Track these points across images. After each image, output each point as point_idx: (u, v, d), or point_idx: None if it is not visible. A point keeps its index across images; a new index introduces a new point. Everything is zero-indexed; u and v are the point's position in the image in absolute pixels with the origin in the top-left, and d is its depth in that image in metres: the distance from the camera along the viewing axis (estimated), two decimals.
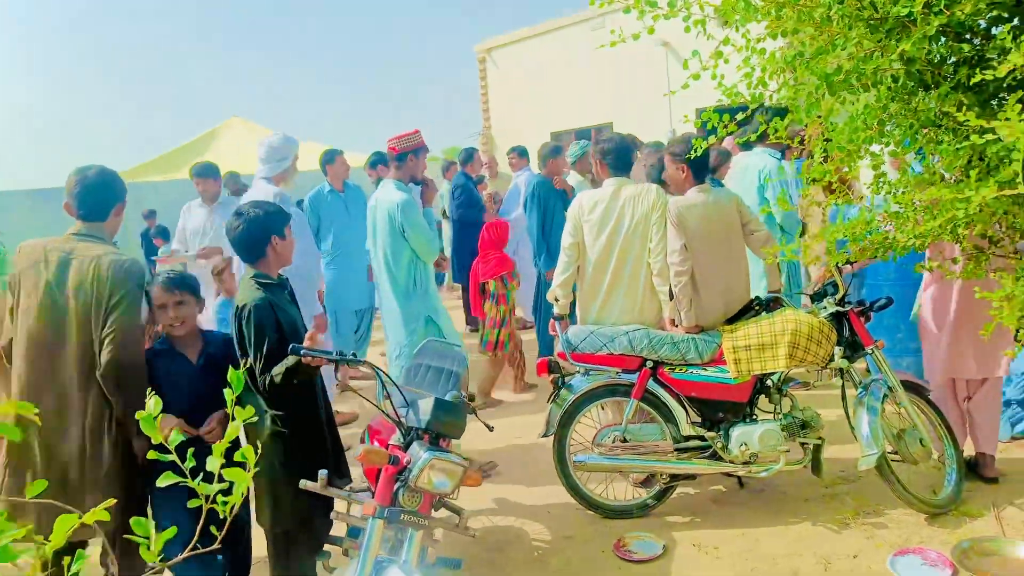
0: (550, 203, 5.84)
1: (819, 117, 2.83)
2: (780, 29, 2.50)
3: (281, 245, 2.86)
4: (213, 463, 1.10)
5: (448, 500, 2.84)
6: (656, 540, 3.51)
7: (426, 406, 2.47)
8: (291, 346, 2.43)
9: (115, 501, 1.23)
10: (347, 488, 2.61)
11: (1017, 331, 2.99)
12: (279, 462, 2.65)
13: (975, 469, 3.88)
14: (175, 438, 1.14)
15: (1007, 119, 2.02)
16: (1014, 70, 2.12)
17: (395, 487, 2.41)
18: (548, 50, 14.24)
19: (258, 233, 2.80)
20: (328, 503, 2.65)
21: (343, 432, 3.29)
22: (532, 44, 14.79)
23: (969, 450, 3.96)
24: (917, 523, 3.54)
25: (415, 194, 4.57)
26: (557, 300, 4.08)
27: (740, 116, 2.77)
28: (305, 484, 2.39)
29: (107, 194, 2.81)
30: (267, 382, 2.59)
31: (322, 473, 2.39)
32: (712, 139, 2.89)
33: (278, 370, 2.54)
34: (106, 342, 2.53)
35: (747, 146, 5.25)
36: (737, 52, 2.64)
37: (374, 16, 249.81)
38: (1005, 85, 2.40)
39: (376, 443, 2.79)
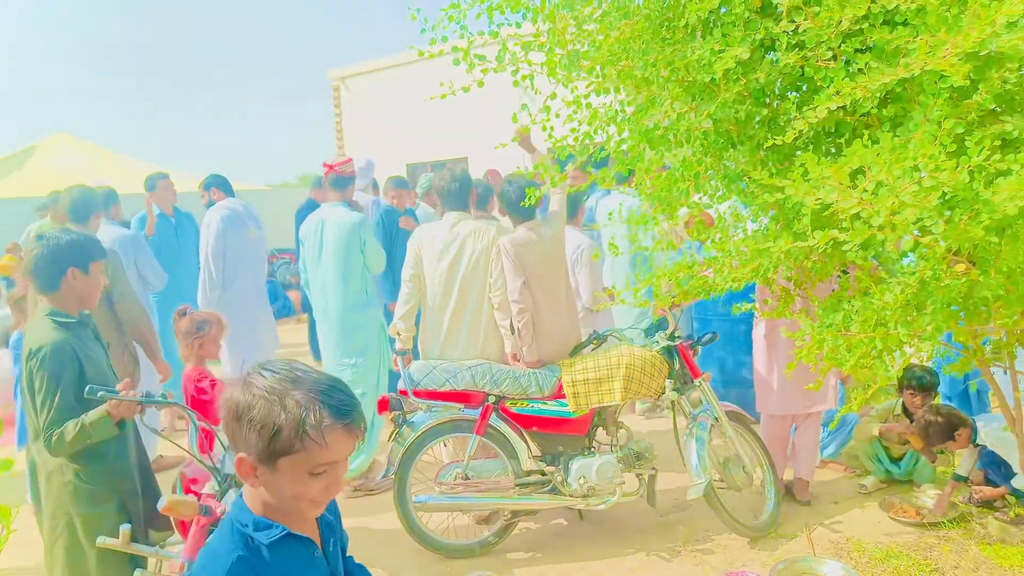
0: (395, 234, 5.86)
1: (645, 168, 3.02)
2: (603, 87, 2.65)
3: (82, 280, 2.62)
4: None
5: None
6: None
7: None
8: (88, 387, 2.27)
9: None
10: (162, 543, 2.46)
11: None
12: (80, 516, 2.46)
13: (790, 493, 4.19)
14: None
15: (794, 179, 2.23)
16: (799, 136, 2.36)
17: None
18: (404, 82, 14.22)
19: (55, 261, 2.56)
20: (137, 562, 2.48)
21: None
22: (389, 75, 14.68)
23: (787, 474, 4.27)
24: (741, 547, 3.76)
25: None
26: (399, 334, 4.08)
27: (570, 166, 2.91)
28: (103, 541, 2.23)
29: None
30: (52, 439, 2.37)
31: (124, 528, 2.24)
32: (544, 188, 3.03)
33: (92, 417, 2.37)
34: None
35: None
36: (567, 106, 2.78)
37: (218, 32, 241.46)
38: (799, 145, 2.66)
39: (191, 492, 2.65)
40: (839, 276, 3.08)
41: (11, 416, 5.10)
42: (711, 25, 2.37)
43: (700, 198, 3.16)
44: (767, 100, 2.59)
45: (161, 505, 2.22)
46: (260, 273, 5.69)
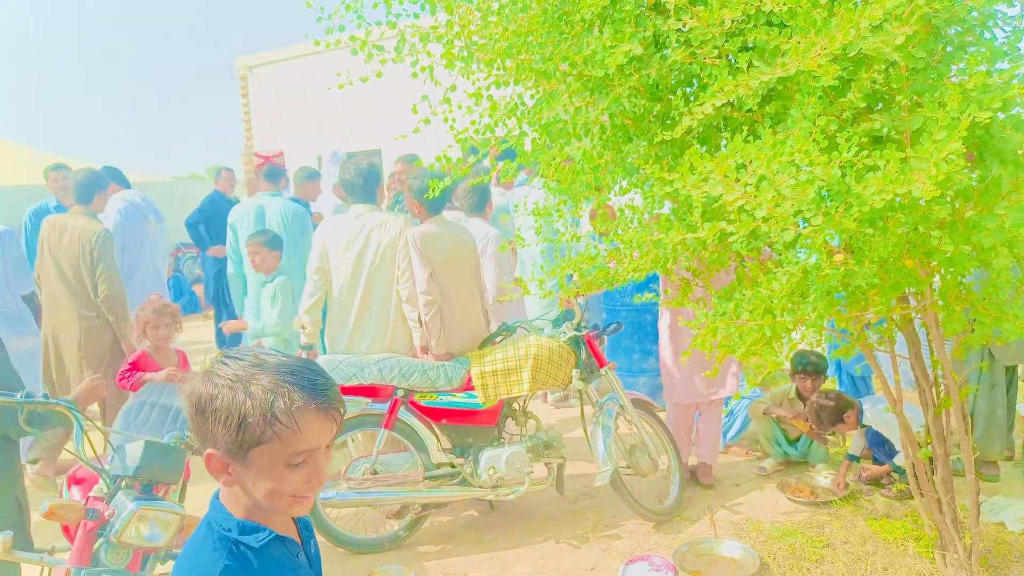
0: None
1: (547, 161, 3.05)
2: (503, 80, 2.67)
3: None
4: None
5: (176, 551, 2.66)
6: (406, 572, 3.52)
7: (134, 450, 2.29)
8: None
9: None
10: (46, 550, 2.35)
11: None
12: None
13: (695, 477, 4.33)
14: None
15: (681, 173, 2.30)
16: (690, 131, 2.43)
17: (96, 544, 2.20)
18: (312, 72, 13.88)
19: None
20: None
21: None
22: (296, 64, 14.31)
23: (691, 459, 4.41)
24: (647, 531, 3.87)
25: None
26: (304, 327, 4.01)
27: (472, 158, 2.91)
28: None
29: None
30: None
31: (5, 535, 2.13)
32: (447, 180, 3.03)
33: None
34: None
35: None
36: (469, 98, 2.78)
37: (124, 21, 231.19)
38: (691, 140, 2.74)
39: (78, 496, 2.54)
40: (736, 267, 3.20)
41: None
42: (605, 20, 2.42)
43: (603, 191, 3.23)
44: (660, 96, 2.66)
45: (43, 510, 2.12)
46: (160, 267, 5.49)
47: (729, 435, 4.79)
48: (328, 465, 1.25)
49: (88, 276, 4.47)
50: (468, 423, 3.83)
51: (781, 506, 4.07)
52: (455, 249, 4.00)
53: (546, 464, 3.92)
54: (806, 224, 2.42)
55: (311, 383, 1.19)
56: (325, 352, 4.11)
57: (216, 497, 1.26)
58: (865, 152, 2.00)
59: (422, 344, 3.96)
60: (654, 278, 4.30)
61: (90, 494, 2.35)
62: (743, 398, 4.72)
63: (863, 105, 2.19)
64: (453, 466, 3.76)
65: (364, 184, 3.99)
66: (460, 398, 3.80)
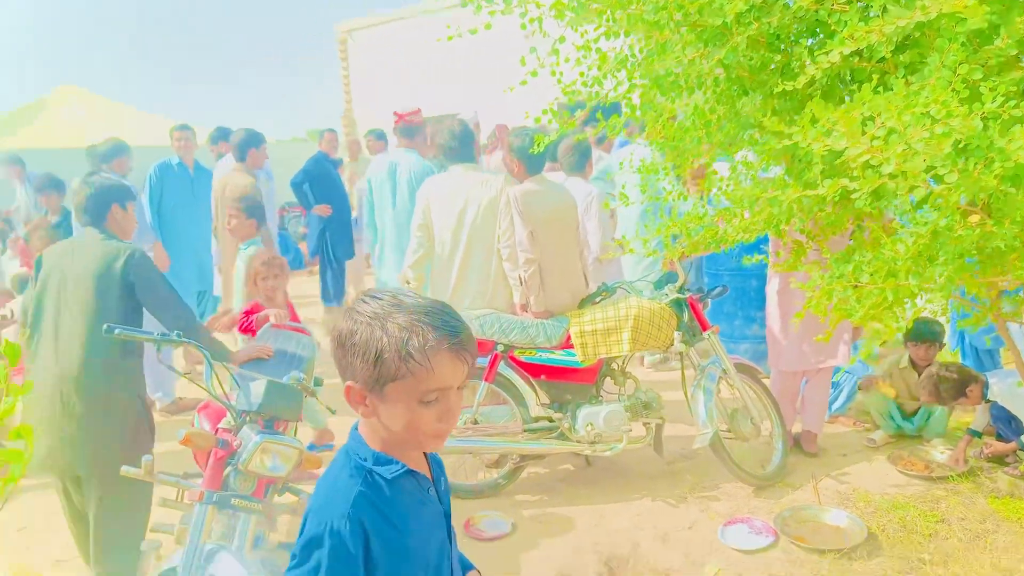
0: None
1: (655, 116, 2.98)
2: (613, 31, 2.60)
3: (121, 216, 3.07)
4: None
5: (292, 485, 2.82)
6: (504, 518, 3.62)
7: (258, 388, 2.44)
8: (105, 326, 2.34)
9: None
10: (180, 474, 2.54)
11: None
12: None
13: (798, 445, 4.22)
14: None
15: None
16: (812, 83, 2.31)
17: (226, 472, 2.37)
18: (411, 34, 14.01)
19: (100, 199, 3.02)
20: None
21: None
22: (394, 27, 14.45)
23: (795, 427, 4.29)
24: (746, 495, 3.81)
25: None
26: (408, 283, 4.12)
27: (579, 112, 2.87)
28: (127, 471, 2.32)
29: None
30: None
31: (147, 459, 2.32)
32: (554, 135, 3.01)
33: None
34: None
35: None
36: (577, 51, 2.73)
37: None
38: (812, 92, 2.61)
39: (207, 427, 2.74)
40: (853, 230, 3.05)
41: None
42: None
43: (711, 148, 3.12)
44: (781, 46, 2.53)
45: (180, 437, 2.30)
46: (272, 224, 5.77)
47: (835, 406, 4.61)
48: (459, 406, 1.29)
49: None
50: (567, 380, 3.85)
51: (891, 479, 3.91)
52: (555, 208, 3.98)
53: (644, 424, 3.90)
54: (937, 183, 2.27)
55: (445, 324, 1.23)
56: None
57: (355, 428, 1.33)
58: (1013, 102, 1.85)
59: (522, 302, 4.00)
60: (763, 241, 4.16)
61: (219, 425, 2.53)
62: (847, 372, 4.54)
63: (1013, 52, 2.01)
64: (551, 420, 3.81)
65: (460, 145, 4.04)
66: (559, 355, 3.83)
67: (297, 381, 2.59)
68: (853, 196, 2.15)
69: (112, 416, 2.76)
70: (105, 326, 2.37)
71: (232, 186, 5.23)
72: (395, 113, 5.22)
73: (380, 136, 7.76)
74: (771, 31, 2.32)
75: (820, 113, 2.02)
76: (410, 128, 5.17)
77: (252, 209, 4.30)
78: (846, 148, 1.99)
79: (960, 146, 2.03)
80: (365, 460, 1.28)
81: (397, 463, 1.29)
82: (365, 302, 1.25)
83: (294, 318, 3.97)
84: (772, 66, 2.50)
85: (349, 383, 1.25)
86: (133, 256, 2.83)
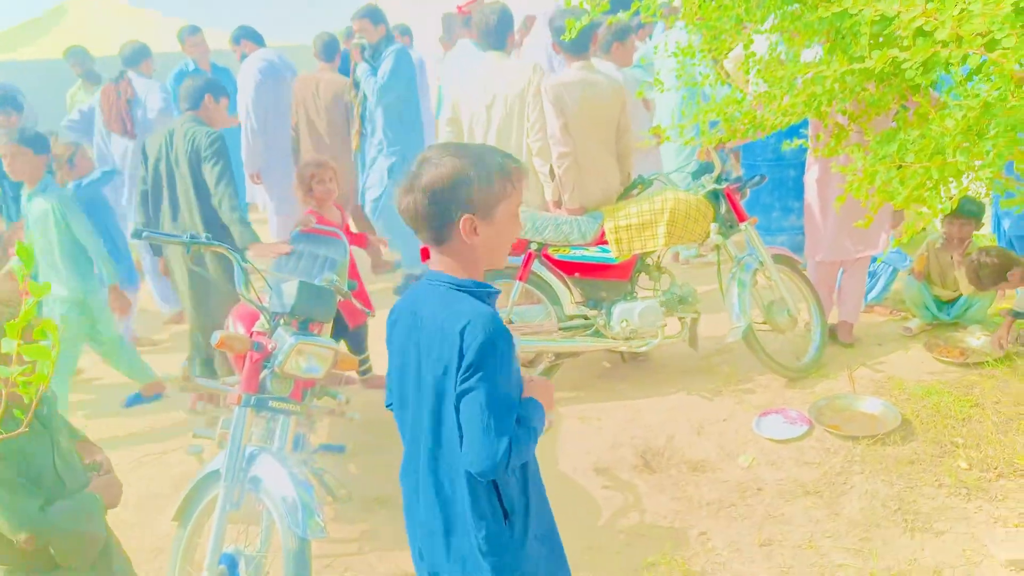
0: None
1: None
2: None
3: (214, 105, 3.70)
4: (7, 344, 1.06)
5: (329, 388, 2.87)
6: None
7: (290, 290, 2.44)
8: (133, 228, 2.35)
9: None
10: (220, 380, 2.60)
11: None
12: None
13: (834, 335, 4.18)
14: None
15: None
16: None
17: (262, 374, 2.40)
18: None
19: (196, 89, 3.68)
20: None
21: None
22: None
23: (832, 317, 4.24)
24: (780, 386, 3.82)
25: None
26: None
27: None
28: (167, 377, 2.37)
29: None
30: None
31: (183, 364, 2.37)
32: (585, 19, 2.86)
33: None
34: None
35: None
36: None
37: None
38: None
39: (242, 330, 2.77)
40: (897, 111, 2.90)
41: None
42: None
43: (750, 29, 2.96)
44: None
45: (214, 340, 2.33)
46: None
47: (871, 295, 4.53)
48: None
49: (342, 121, 5.38)
50: (601, 277, 3.82)
51: (927, 366, 3.88)
52: (592, 98, 3.83)
53: (679, 319, 3.89)
54: (991, 52, 2.13)
55: (507, 153, 1.55)
56: None
57: (432, 272, 1.55)
58: None
59: (554, 199, 3.93)
60: (801, 127, 4.00)
61: (253, 328, 2.56)
62: (884, 261, 4.44)
63: None
64: (586, 318, 3.80)
65: (497, 29, 3.86)
66: (593, 252, 3.78)
67: (331, 283, 2.60)
68: (904, 67, 2.02)
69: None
70: (133, 228, 2.37)
71: (326, 83, 5.33)
72: (458, 8, 5.27)
73: (404, 31, 7.52)
74: None
75: None
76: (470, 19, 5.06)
77: (34, 141, 3.70)
78: (898, 13, 1.86)
79: (1020, 6, 1.89)
80: (472, 287, 1.51)
81: (490, 285, 1.54)
82: (438, 153, 1.48)
83: (346, 222, 3.96)
84: None
85: (466, 216, 1.45)
86: (211, 136, 3.50)
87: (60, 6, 11.74)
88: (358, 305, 2.82)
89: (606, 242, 3.75)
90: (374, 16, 5.06)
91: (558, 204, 3.93)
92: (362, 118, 5.15)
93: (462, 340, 1.42)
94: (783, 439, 3.34)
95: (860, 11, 1.92)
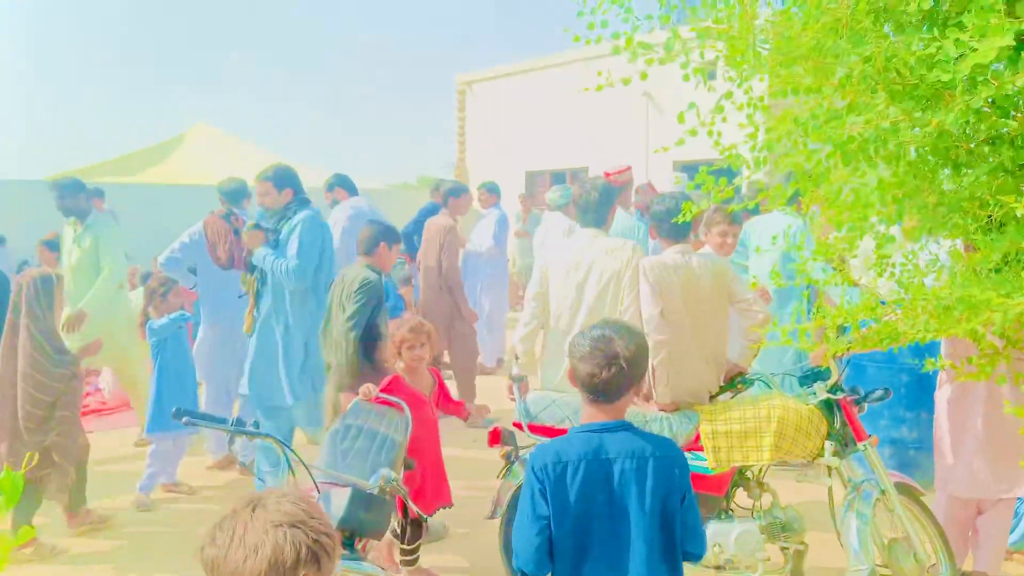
0: None
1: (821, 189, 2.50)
2: (792, 85, 2.16)
3: (386, 252, 4.11)
4: None
5: None
6: None
7: (340, 499, 2.04)
8: (176, 409, 2.03)
9: None
10: None
11: None
12: None
13: None
14: None
15: None
16: None
17: None
18: (530, 89, 14.19)
19: (374, 236, 4.08)
20: None
21: None
22: (515, 80, 14.72)
23: (966, 565, 3.56)
24: None
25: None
26: (518, 357, 3.69)
27: (737, 180, 2.42)
28: None
29: None
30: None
31: None
32: (705, 203, 2.56)
33: None
34: None
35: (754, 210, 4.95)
36: (737, 109, 2.31)
37: (350, 33, 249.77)
38: None
39: None
40: None
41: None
42: (961, 8, 1.84)
43: (887, 228, 2.60)
44: (1013, 111, 2.02)
45: None
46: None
47: (1012, 538, 3.84)
48: None
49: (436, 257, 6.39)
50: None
51: None
52: (696, 284, 3.49)
53: (782, 548, 3.29)
54: None
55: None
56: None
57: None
58: None
59: (645, 391, 3.50)
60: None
61: None
62: None
63: None
64: None
65: (598, 205, 3.62)
66: None
67: (387, 482, 2.19)
68: None
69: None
70: (175, 410, 2.05)
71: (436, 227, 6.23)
72: (606, 174, 5.32)
73: (492, 189, 7.51)
74: (1013, 92, 1.82)
75: None
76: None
77: None
78: None
79: None
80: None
81: None
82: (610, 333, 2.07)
83: (441, 387, 3.57)
84: (1005, 131, 1.98)
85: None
86: (368, 280, 3.90)
87: (179, 135, 12.57)
88: (414, 508, 2.39)
89: (701, 448, 3.26)
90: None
91: (648, 397, 3.49)
92: None
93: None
94: None
95: None
